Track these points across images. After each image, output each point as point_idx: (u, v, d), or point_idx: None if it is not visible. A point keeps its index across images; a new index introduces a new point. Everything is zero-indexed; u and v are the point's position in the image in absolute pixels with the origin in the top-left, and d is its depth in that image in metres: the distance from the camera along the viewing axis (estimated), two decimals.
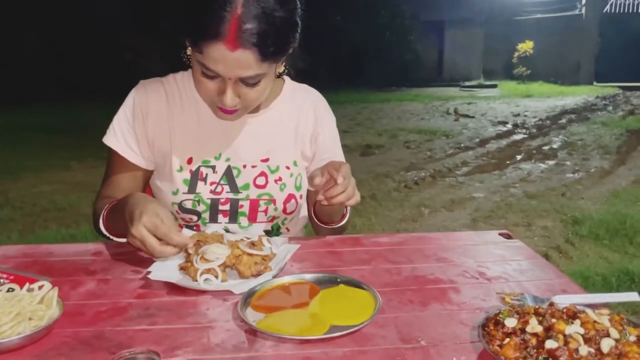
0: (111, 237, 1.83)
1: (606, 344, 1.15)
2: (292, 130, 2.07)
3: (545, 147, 10.83)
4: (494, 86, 22.87)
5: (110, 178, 2.01)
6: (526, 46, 24.45)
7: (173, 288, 1.54)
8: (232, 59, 1.60)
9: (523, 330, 1.21)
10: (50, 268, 1.69)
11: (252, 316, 1.39)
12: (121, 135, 1.96)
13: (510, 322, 1.24)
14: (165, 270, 1.60)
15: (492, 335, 1.24)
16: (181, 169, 1.94)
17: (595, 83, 22.29)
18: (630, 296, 1.44)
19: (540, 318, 1.24)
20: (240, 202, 1.98)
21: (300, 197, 2.06)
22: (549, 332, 1.19)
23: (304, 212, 2.16)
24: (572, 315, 1.26)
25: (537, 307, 1.32)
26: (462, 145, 11.21)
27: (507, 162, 9.56)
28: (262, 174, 1.99)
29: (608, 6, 23.41)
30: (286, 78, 2.09)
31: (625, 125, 13.33)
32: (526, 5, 25.36)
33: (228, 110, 1.76)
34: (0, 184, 7.83)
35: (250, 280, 1.57)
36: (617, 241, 5.58)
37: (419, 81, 22.52)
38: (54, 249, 1.86)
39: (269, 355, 1.24)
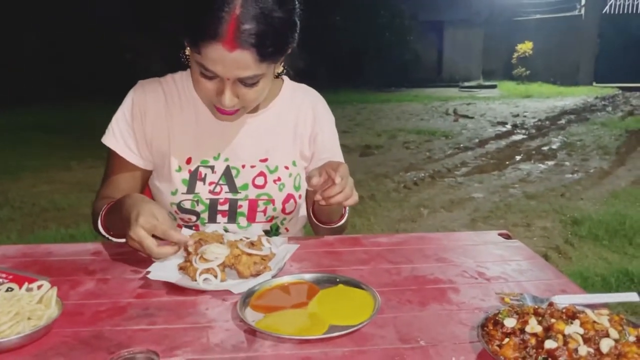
0: (110, 237, 1.82)
1: (605, 344, 1.15)
2: (291, 130, 2.07)
3: (545, 148, 10.83)
4: (494, 87, 22.87)
5: (109, 178, 2.01)
6: (525, 47, 24.46)
7: (172, 288, 1.54)
8: (231, 59, 1.60)
9: (522, 330, 1.21)
10: (50, 268, 1.69)
11: (251, 316, 1.39)
12: (120, 136, 1.96)
13: (510, 322, 1.24)
14: (164, 270, 1.60)
15: (491, 335, 1.24)
16: (180, 169, 1.94)
17: (594, 84, 22.30)
18: (630, 296, 1.44)
19: (540, 318, 1.24)
20: (239, 202, 1.98)
21: (299, 197, 2.06)
22: (548, 332, 1.19)
23: (303, 212, 2.16)
24: (571, 315, 1.26)
25: (536, 307, 1.32)
26: (462, 145, 11.21)
27: (507, 162, 9.56)
28: (261, 174, 1.98)
29: (607, 7, 23.42)
30: (285, 78, 2.09)
31: (625, 126, 13.32)
32: (525, 5, 25.37)
33: (226, 111, 1.76)
34: None
35: (249, 280, 1.57)
36: (617, 242, 5.57)
37: (418, 81, 22.53)
38: (53, 249, 1.86)
39: (268, 355, 1.23)
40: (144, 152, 1.98)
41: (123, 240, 1.72)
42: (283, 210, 2.02)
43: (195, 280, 1.54)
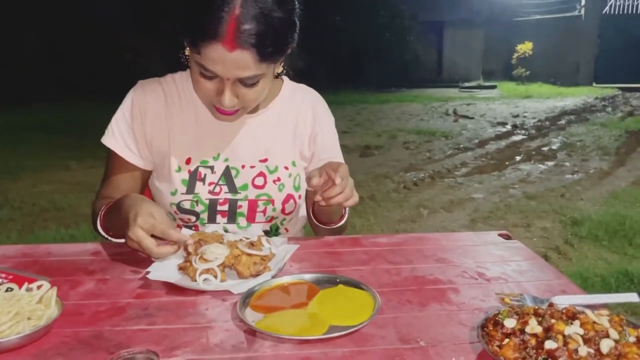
0: (109, 237, 1.82)
1: (605, 345, 1.14)
2: (290, 131, 2.06)
3: (545, 148, 10.83)
4: (494, 87, 22.87)
5: (109, 178, 2.01)
6: (525, 47, 24.46)
7: (172, 288, 1.54)
8: (230, 59, 1.60)
9: (522, 331, 1.21)
10: (49, 268, 1.69)
11: (251, 316, 1.38)
12: (120, 136, 1.96)
13: (510, 323, 1.24)
14: (164, 270, 1.60)
15: (491, 336, 1.23)
16: (180, 170, 1.94)
17: (594, 84, 22.30)
18: (630, 297, 1.44)
19: (540, 319, 1.24)
20: (239, 203, 1.97)
21: (299, 197, 2.06)
22: (548, 332, 1.19)
23: (302, 212, 2.16)
24: (571, 316, 1.25)
25: (536, 307, 1.32)
26: (461, 146, 11.21)
27: (507, 163, 9.56)
28: (261, 174, 1.98)
29: (607, 7, 23.42)
30: (285, 78, 2.09)
31: (625, 126, 13.32)
32: (525, 6, 25.36)
33: (226, 111, 1.76)
34: None
35: (249, 281, 1.57)
36: (616, 242, 5.57)
37: (418, 82, 22.52)
38: (53, 249, 1.85)
39: (268, 356, 1.23)
40: (144, 152, 1.98)
41: (122, 240, 1.71)
42: (283, 211, 2.02)
43: (195, 281, 1.54)
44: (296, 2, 1.71)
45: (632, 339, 1.18)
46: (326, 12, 18.77)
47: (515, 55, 24.90)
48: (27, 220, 6.35)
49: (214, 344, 1.28)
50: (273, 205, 2.00)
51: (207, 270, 1.56)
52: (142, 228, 1.54)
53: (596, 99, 19.00)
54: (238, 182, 1.97)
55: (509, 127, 13.57)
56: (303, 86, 2.17)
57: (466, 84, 23.38)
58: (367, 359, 1.23)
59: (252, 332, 1.32)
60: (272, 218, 2.04)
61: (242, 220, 2.01)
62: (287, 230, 2.11)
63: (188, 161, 1.95)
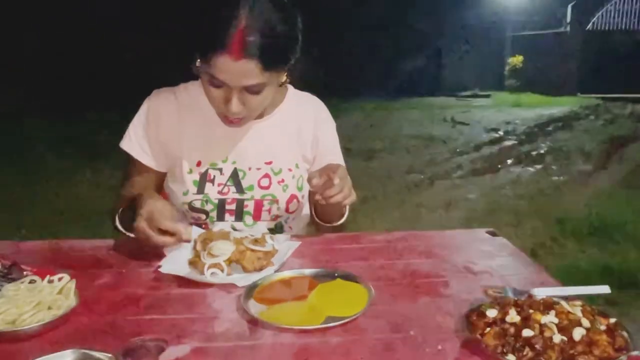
0: (126, 232, 1.82)
1: (578, 333, 1.14)
2: (294, 135, 2.06)
3: (534, 153, 10.78)
4: (488, 96, 22.77)
5: (127, 180, 2.02)
6: (516, 60, 24.41)
7: (182, 281, 1.54)
8: (237, 68, 1.61)
9: (503, 320, 1.21)
10: (71, 261, 1.68)
11: (255, 307, 1.38)
12: (136, 140, 1.97)
13: (492, 313, 1.24)
14: (175, 264, 1.60)
15: (474, 325, 1.23)
16: (191, 171, 1.94)
17: (578, 94, 22.16)
18: (602, 289, 1.43)
19: (519, 309, 1.24)
20: (246, 202, 1.97)
21: (302, 197, 2.06)
22: (526, 322, 1.19)
23: (305, 211, 2.15)
24: (548, 306, 1.25)
25: (516, 299, 1.32)
26: (458, 150, 11.16)
27: (499, 165, 9.51)
28: (266, 175, 1.98)
29: (590, 24, 23.42)
30: (289, 87, 2.08)
31: (607, 132, 13.26)
32: (516, 23, 25.33)
33: (233, 119, 1.77)
34: (29, 187, 7.83)
35: (253, 275, 1.57)
36: (598, 239, 5.55)
37: (419, 91, 22.46)
38: (74, 244, 1.86)
39: (270, 344, 1.23)
40: (158, 155, 1.99)
41: None
42: (287, 210, 2.02)
43: (204, 274, 1.54)
44: (298, 18, 1.72)
45: (602, 327, 1.18)
46: (340, 30, 18.87)
47: (507, 67, 24.85)
48: (54, 220, 6.34)
49: (220, 332, 1.28)
50: (277, 204, 1.99)
51: (215, 265, 1.55)
52: (144, 219, 1.56)
53: (580, 107, 18.87)
54: (245, 183, 1.96)
55: (501, 133, 13.50)
56: (306, 94, 2.16)
57: (463, 93, 23.30)
58: (361, 347, 1.22)
59: (255, 322, 1.31)
60: (277, 216, 2.03)
61: (248, 219, 2.00)
62: (291, 228, 2.10)
63: (199, 164, 1.94)
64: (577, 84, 22.36)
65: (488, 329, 1.20)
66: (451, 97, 22.46)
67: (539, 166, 9.48)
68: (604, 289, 1.42)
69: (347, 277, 1.55)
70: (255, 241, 1.65)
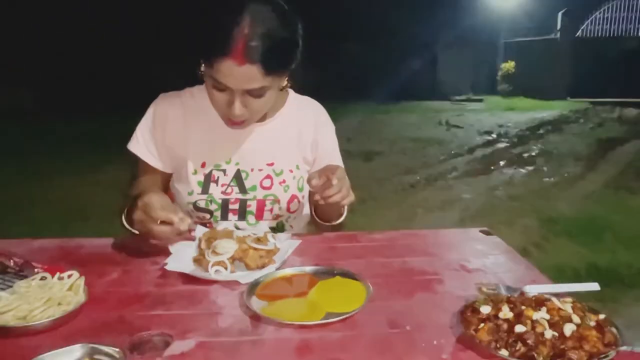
0: (132, 230, 1.82)
1: (568, 329, 1.14)
2: (295, 137, 2.06)
3: (525, 155, 10.78)
4: (481, 100, 22.77)
5: (135, 180, 2.02)
6: (509, 65, 24.43)
7: (187, 278, 1.53)
8: (240, 72, 1.61)
9: (496, 316, 1.21)
10: (80, 259, 1.69)
11: (257, 304, 1.38)
12: (143, 142, 1.97)
13: (485, 309, 1.23)
14: (180, 262, 1.60)
15: (469, 321, 1.23)
16: (196, 172, 1.94)
17: (569, 98, 22.19)
18: (591, 286, 1.43)
19: (512, 305, 1.23)
20: (248, 202, 1.97)
21: (303, 197, 2.06)
22: (519, 318, 1.18)
23: (306, 210, 2.15)
24: (539, 303, 1.25)
25: (509, 296, 1.32)
26: (453, 152, 11.17)
27: (492, 167, 9.52)
28: (268, 176, 1.98)
29: (580, 31, 23.50)
30: (290, 91, 2.09)
31: (595, 135, 13.29)
32: (509, 30, 25.36)
33: (237, 122, 1.77)
34: (41, 185, 7.83)
35: (255, 272, 1.56)
36: (587, 238, 5.56)
37: (415, 95, 22.45)
38: (84, 242, 1.85)
39: (271, 339, 1.23)
40: (164, 157, 1.99)
41: None
42: (288, 209, 2.02)
43: (208, 272, 1.54)
44: (299, 25, 1.72)
45: (592, 323, 1.18)
46: (340, 36, 18.91)
47: (500, 72, 24.86)
48: (65, 219, 6.33)
49: (223, 328, 1.28)
50: (279, 204, 1.99)
51: (218, 263, 1.55)
52: (141, 210, 1.57)
53: (570, 111, 18.88)
54: (248, 184, 1.97)
55: (494, 135, 13.51)
56: (307, 98, 2.17)
57: (457, 98, 23.29)
58: (359, 342, 1.22)
59: (257, 318, 1.31)
60: (279, 216, 2.03)
61: (251, 218, 2.00)
62: (292, 227, 2.10)
63: (203, 165, 1.94)
64: (567, 88, 22.40)
65: (482, 324, 1.19)
66: (446, 101, 22.44)
67: (530, 168, 9.49)
68: (594, 286, 1.42)
69: (346, 275, 1.54)
70: (258, 240, 1.65)
